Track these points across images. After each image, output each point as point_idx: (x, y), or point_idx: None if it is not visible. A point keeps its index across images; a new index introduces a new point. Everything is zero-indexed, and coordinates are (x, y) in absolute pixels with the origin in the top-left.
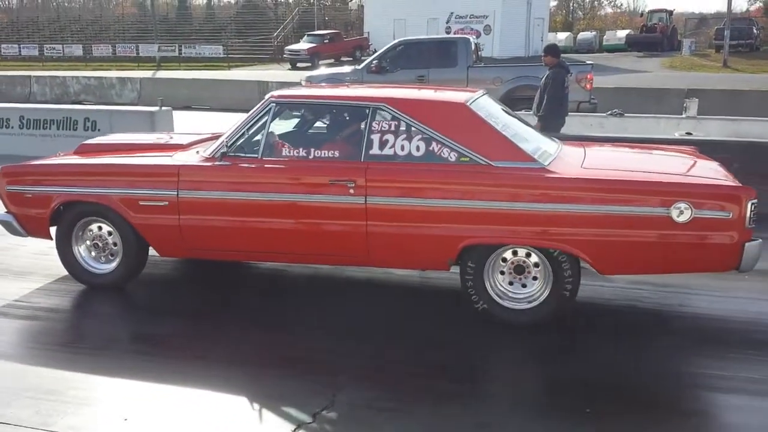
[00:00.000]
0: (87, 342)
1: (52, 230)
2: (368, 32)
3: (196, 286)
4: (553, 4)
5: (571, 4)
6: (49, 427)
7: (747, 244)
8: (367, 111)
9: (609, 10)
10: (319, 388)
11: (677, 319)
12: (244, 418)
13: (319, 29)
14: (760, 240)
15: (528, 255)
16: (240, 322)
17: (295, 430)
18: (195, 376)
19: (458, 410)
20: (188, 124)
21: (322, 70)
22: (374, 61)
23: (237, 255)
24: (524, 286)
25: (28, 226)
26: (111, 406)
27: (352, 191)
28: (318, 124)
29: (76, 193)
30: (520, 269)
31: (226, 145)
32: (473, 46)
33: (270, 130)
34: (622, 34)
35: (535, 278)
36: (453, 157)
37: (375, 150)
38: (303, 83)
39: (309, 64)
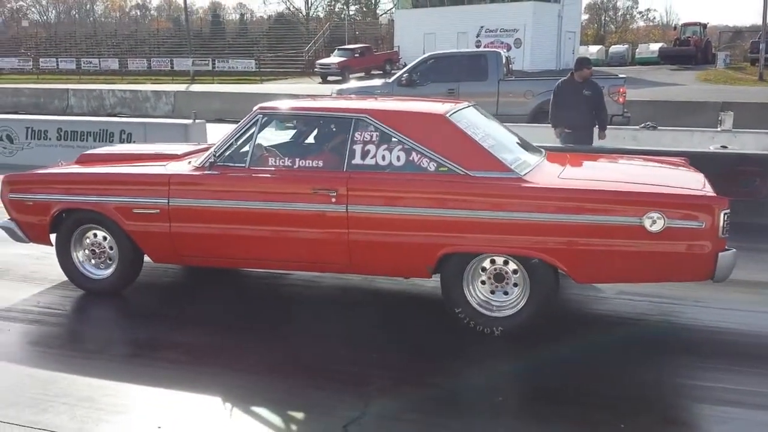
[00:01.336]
0: (118, 349)
1: (53, 237)
2: (398, 46)
3: (222, 296)
4: (585, 17)
5: (603, 18)
6: None
7: (721, 254)
8: (350, 122)
9: (641, 23)
10: (348, 400)
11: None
12: (273, 428)
13: (349, 43)
14: (734, 250)
15: (506, 263)
16: (268, 332)
17: None
18: (225, 385)
19: (491, 425)
20: (221, 136)
21: (352, 84)
22: (405, 75)
23: (225, 262)
24: (505, 293)
25: (30, 232)
26: (145, 413)
27: (333, 200)
28: (304, 134)
29: (74, 201)
30: (499, 277)
31: (215, 155)
32: (504, 60)
33: (257, 141)
34: (655, 47)
35: (515, 285)
36: (432, 167)
37: (357, 160)
38: (333, 96)
39: (339, 78)
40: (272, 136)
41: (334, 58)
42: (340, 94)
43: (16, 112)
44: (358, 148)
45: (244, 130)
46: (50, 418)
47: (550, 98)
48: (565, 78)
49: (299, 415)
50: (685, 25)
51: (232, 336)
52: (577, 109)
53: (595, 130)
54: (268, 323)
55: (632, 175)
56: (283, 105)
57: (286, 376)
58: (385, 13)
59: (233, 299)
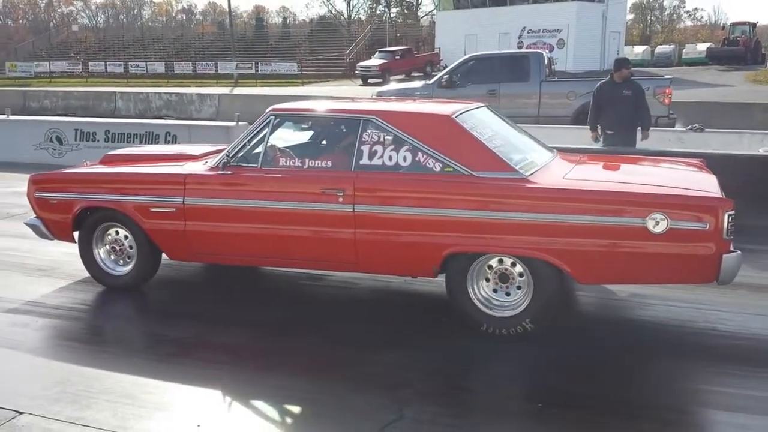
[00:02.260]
0: (161, 348)
1: (75, 234)
2: (439, 48)
3: (260, 298)
4: (630, 17)
5: (648, 17)
6: (126, 431)
7: (725, 256)
8: (359, 123)
9: (689, 23)
10: (385, 403)
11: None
12: (310, 429)
13: (390, 45)
14: (739, 252)
15: (513, 264)
16: (305, 334)
17: None
18: (262, 386)
19: (528, 428)
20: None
21: (393, 86)
22: (445, 76)
23: (238, 260)
24: (508, 294)
25: (54, 229)
26: (185, 411)
27: (341, 199)
28: (314, 135)
29: (95, 199)
30: (504, 278)
31: (228, 156)
32: (546, 61)
33: (269, 142)
34: (702, 47)
35: (519, 287)
36: (438, 167)
37: (365, 160)
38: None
39: (380, 80)
40: (285, 137)
41: (375, 61)
42: (381, 95)
43: (66, 114)
44: (365, 148)
45: (257, 131)
46: (92, 415)
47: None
48: (604, 79)
49: (336, 417)
50: (734, 24)
51: (270, 337)
52: (617, 110)
53: (639, 131)
54: (305, 325)
55: (640, 176)
56: (296, 106)
57: (323, 378)
58: (427, 15)
59: (271, 301)
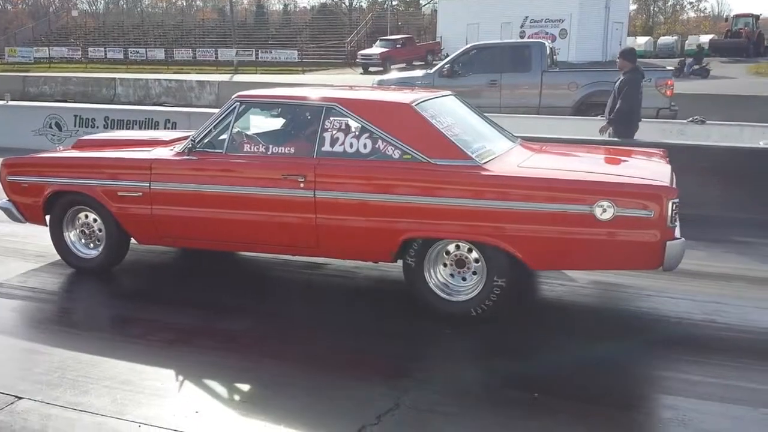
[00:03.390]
0: (159, 335)
1: (47, 218)
2: (441, 37)
3: (261, 286)
4: (633, 7)
5: (651, 8)
6: (124, 416)
7: (669, 243)
8: (321, 111)
9: (692, 14)
10: (383, 391)
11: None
12: (309, 417)
13: (391, 34)
14: (683, 239)
15: (470, 251)
16: (305, 322)
17: (359, 430)
18: (263, 373)
19: (524, 416)
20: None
21: (393, 74)
22: (446, 66)
23: (203, 243)
24: (464, 279)
25: (26, 213)
26: (183, 398)
27: (302, 185)
28: (279, 122)
29: (65, 183)
30: (461, 263)
31: (194, 141)
32: (548, 51)
33: (234, 128)
34: (705, 39)
35: (474, 273)
36: (396, 154)
37: (327, 147)
38: (374, 87)
39: (381, 69)
40: (250, 124)
41: (376, 49)
42: (381, 84)
43: (65, 100)
44: (327, 135)
45: (222, 117)
46: (91, 400)
47: (595, 90)
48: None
49: (334, 405)
50: (737, 16)
51: (271, 325)
52: (614, 100)
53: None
54: (305, 313)
55: (593, 165)
56: (260, 93)
57: (323, 366)
58: (428, 3)
59: (270, 289)
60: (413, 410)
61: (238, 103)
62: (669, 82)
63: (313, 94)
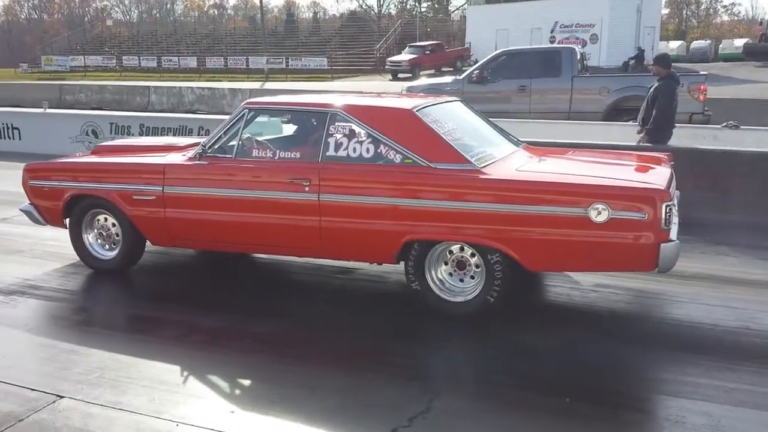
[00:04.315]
0: (196, 336)
1: (67, 221)
2: (470, 43)
3: (294, 290)
4: (665, 11)
5: (684, 12)
6: (162, 415)
7: (663, 245)
8: (326, 117)
9: (725, 18)
10: (415, 394)
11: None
12: (342, 418)
13: (420, 40)
14: (677, 241)
15: (472, 255)
16: (336, 325)
17: None
18: (295, 374)
19: (556, 422)
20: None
21: (422, 81)
22: (475, 72)
23: (213, 245)
24: (462, 280)
25: (46, 215)
26: (219, 398)
27: (307, 189)
28: (286, 128)
29: (83, 187)
30: (461, 265)
31: (205, 147)
32: (578, 56)
33: (243, 133)
34: (739, 43)
35: (475, 274)
36: (398, 158)
37: (331, 152)
38: (403, 93)
39: (409, 75)
40: (259, 130)
41: (405, 56)
42: (410, 91)
43: (100, 108)
44: (332, 140)
45: (231, 123)
46: (130, 400)
47: (626, 95)
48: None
49: (365, 408)
50: None
51: (303, 327)
52: (647, 107)
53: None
54: (337, 316)
55: (591, 168)
56: (269, 100)
57: (354, 368)
58: (457, 9)
59: (303, 292)
60: (444, 413)
61: (247, 110)
62: (702, 87)
63: (319, 101)
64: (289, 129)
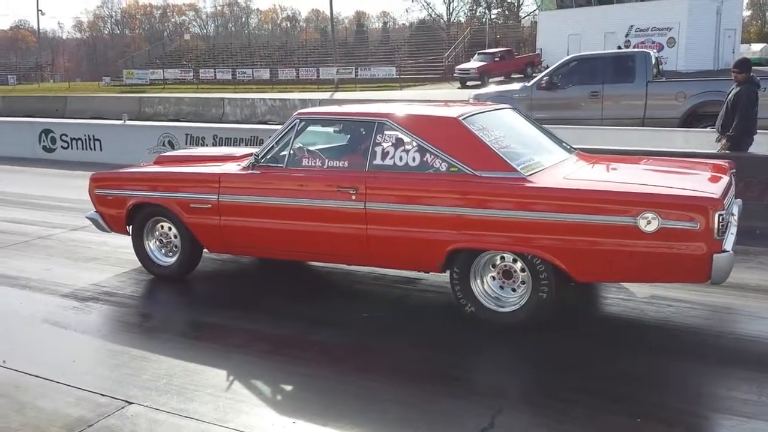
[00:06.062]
0: (261, 345)
1: (130, 228)
2: (541, 49)
3: (358, 300)
4: (747, 13)
5: (767, 14)
6: (226, 424)
7: (716, 256)
8: (373, 126)
9: None
10: (478, 409)
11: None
12: (402, 431)
13: (490, 47)
14: (731, 252)
15: (515, 262)
16: (400, 337)
17: None
18: (359, 387)
19: None
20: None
21: (491, 88)
22: (545, 78)
23: (265, 252)
24: (512, 290)
25: (111, 223)
26: (282, 408)
27: (354, 197)
28: (335, 137)
29: (145, 196)
30: (508, 274)
31: (258, 157)
32: (653, 60)
33: (294, 143)
34: None
35: (523, 282)
36: (443, 167)
37: (378, 161)
38: (470, 101)
39: (478, 83)
40: (309, 139)
41: (474, 63)
42: (477, 99)
43: (178, 120)
44: (378, 149)
45: (284, 133)
46: (196, 407)
47: (704, 101)
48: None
49: (426, 421)
50: None
51: (366, 338)
52: (726, 113)
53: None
54: (400, 327)
55: (643, 176)
56: (319, 110)
57: (419, 382)
58: (528, 15)
59: (366, 302)
60: (508, 430)
61: (298, 120)
62: None
63: (366, 110)
64: (338, 138)
